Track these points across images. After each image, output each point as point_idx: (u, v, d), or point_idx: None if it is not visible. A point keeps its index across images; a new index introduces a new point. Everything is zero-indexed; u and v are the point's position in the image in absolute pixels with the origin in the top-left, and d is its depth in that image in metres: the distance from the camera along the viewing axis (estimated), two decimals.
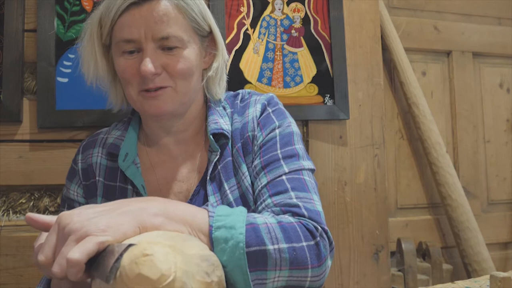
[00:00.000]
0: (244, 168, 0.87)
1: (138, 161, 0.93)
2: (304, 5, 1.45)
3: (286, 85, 1.42)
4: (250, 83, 1.40)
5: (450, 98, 1.91)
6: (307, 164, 0.86)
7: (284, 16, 1.44)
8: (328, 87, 1.43)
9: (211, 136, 0.88)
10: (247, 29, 1.41)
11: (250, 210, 0.84)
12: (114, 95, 0.96)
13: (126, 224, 0.59)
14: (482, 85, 1.97)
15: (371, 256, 1.45)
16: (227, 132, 0.89)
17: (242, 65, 1.40)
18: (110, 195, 0.91)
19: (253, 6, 1.42)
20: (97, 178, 0.94)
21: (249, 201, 0.86)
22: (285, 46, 1.43)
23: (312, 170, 0.88)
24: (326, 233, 0.75)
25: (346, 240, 1.44)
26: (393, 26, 1.74)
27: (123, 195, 0.91)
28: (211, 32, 0.92)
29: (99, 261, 0.54)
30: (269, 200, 0.80)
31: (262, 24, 1.42)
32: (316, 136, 1.45)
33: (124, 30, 0.83)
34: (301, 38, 1.44)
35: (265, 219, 0.70)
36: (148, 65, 0.81)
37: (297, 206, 0.77)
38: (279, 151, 0.86)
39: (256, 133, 0.89)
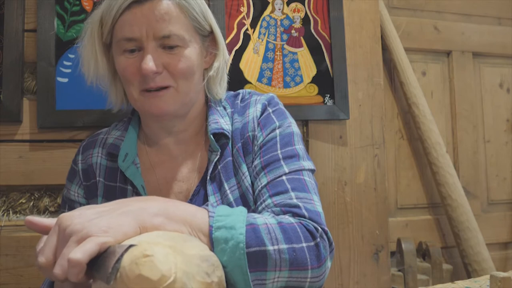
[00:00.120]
0: (244, 168, 0.87)
1: (138, 161, 0.93)
2: (304, 5, 1.45)
3: (286, 85, 1.42)
4: (250, 83, 1.40)
5: (450, 98, 1.91)
6: (307, 164, 0.86)
7: (284, 16, 1.44)
8: (328, 87, 1.43)
9: (211, 136, 0.88)
10: (247, 29, 1.41)
11: (250, 210, 0.84)
12: (114, 95, 0.96)
13: (126, 225, 0.59)
14: (482, 85, 1.97)
15: (371, 256, 1.45)
16: (228, 132, 0.89)
17: (242, 65, 1.40)
18: (111, 195, 0.91)
19: (253, 6, 1.42)
20: (97, 178, 0.94)
21: (249, 201, 0.86)
22: (285, 46, 1.43)
23: (312, 171, 0.88)
24: (326, 234, 0.75)
25: (346, 240, 1.44)
26: (393, 26, 1.74)
27: (123, 195, 0.90)
28: (212, 32, 0.92)
29: (100, 262, 0.54)
30: (269, 200, 0.80)
31: (262, 24, 1.42)
32: (316, 136, 1.45)
33: (125, 28, 0.83)
34: (301, 38, 1.44)
35: (265, 220, 0.70)
36: (149, 63, 0.81)
37: (297, 206, 0.77)
38: (279, 151, 0.86)
39: (256, 133, 0.88)
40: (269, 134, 0.88)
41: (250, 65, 1.40)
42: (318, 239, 0.72)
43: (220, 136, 0.89)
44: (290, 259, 0.68)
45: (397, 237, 1.69)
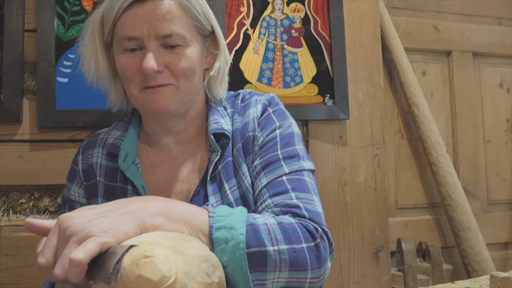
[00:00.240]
0: (244, 168, 0.87)
1: (138, 161, 0.93)
2: (304, 5, 1.45)
3: (286, 85, 1.42)
4: (250, 83, 1.40)
5: (450, 98, 1.91)
6: (308, 164, 0.86)
7: (284, 16, 1.44)
8: (328, 87, 1.43)
9: (211, 136, 0.88)
10: (247, 29, 1.41)
11: (250, 210, 0.84)
12: (114, 94, 0.96)
13: (127, 225, 0.59)
14: (482, 85, 1.97)
15: (371, 256, 1.45)
16: (228, 132, 0.89)
17: (242, 65, 1.40)
18: (111, 195, 0.91)
19: (253, 6, 1.42)
20: (97, 178, 0.94)
21: (249, 201, 0.86)
22: (285, 46, 1.43)
23: (312, 171, 0.88)
24: (326, 234, 0.75)
25: (346, 240, 1.44)
26: (393, 26, 1.74)
27: (123, 195, 0.90)
28: (213, 32, 0.92)
29: (101, 263, 0.54)
30: (269, 201, 0.80)
31: (262, 24, 1.42)
32: (316, 136, 1.45)
33: (126, 27, 0.83)
34: (301, 38, 1.44)
35: (265, 220, 0.70)
36: (151, 62, 0.81)
37: (297, 206, 0.77)
38: (279, 152, 0.86)
39: (256, 133, 0.88)
40: (269, 134, 0.88)
41: (250, 65, 1.40)
42: (318, 240, 0.72)
43: (220, 136, 0.89)
44: (290, 259, 0.68)
45: (397, 237, 1.69)
